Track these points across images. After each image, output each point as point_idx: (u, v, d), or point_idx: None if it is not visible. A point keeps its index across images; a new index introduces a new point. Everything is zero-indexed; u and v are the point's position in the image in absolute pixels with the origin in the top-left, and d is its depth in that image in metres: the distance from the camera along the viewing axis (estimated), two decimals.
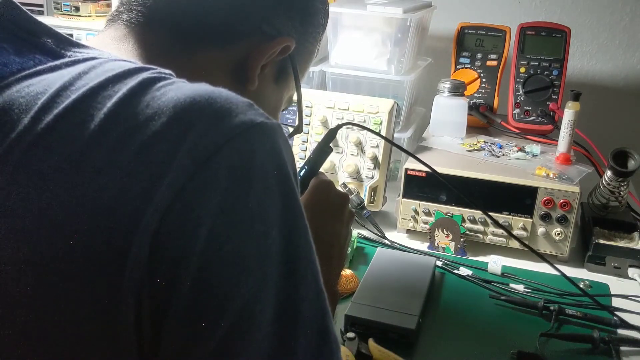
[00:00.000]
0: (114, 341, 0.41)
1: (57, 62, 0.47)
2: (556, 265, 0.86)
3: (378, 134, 0.86)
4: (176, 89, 0.44)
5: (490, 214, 1.04)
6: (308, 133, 1.22)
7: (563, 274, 0.89)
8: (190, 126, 0.42)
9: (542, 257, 0.87)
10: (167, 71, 0.48)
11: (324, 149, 0.81)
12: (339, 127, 0.84)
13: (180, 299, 0.40)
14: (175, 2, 0.57)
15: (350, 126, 1.17)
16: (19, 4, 0.51)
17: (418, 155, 1.15)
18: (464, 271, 1.01)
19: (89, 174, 0.41)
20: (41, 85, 0.45)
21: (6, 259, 0.41)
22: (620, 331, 0.87)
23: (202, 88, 0.44)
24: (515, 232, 1.06)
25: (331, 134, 0.83)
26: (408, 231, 1.15)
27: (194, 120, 0.42)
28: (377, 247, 1.07)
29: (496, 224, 0.90)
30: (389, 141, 0.91)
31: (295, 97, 0.69)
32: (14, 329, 0.41)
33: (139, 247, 0.39)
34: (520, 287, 0.96)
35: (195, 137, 0.41)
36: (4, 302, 0.41)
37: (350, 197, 1.13)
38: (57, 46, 0.49)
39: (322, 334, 0.45)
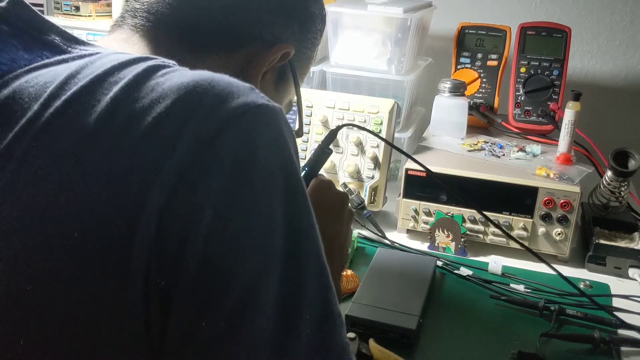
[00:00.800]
0: (122, 323, 0.42)
1: (65, 56, 0.49)
2: (557, 266, 0.86)
3: (378, 135, 0.87)
4: (179, 74, 0.46)
5: (490, 213, 1.05)
6: (308, 133, 1.22)
7: (560, 274, 0.88)
8: (194, 109, 0.43)
9: (538, 257, 0.87)
10: (170, 61, 0.49)
11: (324, 150, 0.82)
12: (339, 128, 0.84)
13: (188, 277, 0.41)
14: (178, 11, 0.58)
15: (350, 126, 1.17)
16: (27, 3, 0.52)
17: (418, 155, 1.15)
18: (464, 271, 1.01)
19: (98, 155, 0.42)
20: (49, 75, 0.46)
21: (18, 238, 0.42)
22: (621, 331, 0.87)
23: (204, 73, 0.46)
24: (516, 232, 1.06)
25: (331, 135, 0.83)
26: (408, 231, 1.15)
27: (197, 103, 0.43)
28: (377, 247, 1.07)
29: (492, 223, 0.90)
30: (389, 143, 0.91)
31: (295, 101, 0.70)
32: (22, 312, 0.42)
33: (146, 226, 0.40)
34: (520, 287, 0.96)
35: (199, 119, 0.43)
36: (14, 283, 0.42)
37: (350, 197, 1.13)
38: (64, 44, 0.51)
39: (325, 310, 0.46)
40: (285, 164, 0.45)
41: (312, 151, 0.82)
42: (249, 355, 0.42)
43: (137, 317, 0.42)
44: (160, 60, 0.48)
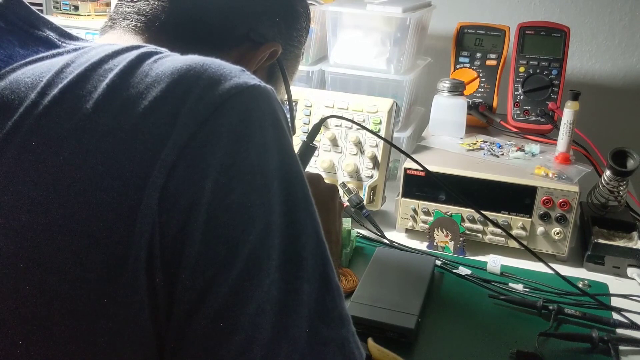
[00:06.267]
0: (126, 301, 0.43)
1: (60, 50, 0.51)
2: (555, 265, 0.86)
3: (364, 127, 0.87)
4: (171, 59, 0.47)
5: (488, 213, 1.05)
6: (307, 132, 1.22)
7: (558, 274, 0.89)
8: (189, 90, 0.45)
9: (537, 256, 0.88)
10: (161, 48, 0.50)
11: (309, 145, 0.83)
12: (322, 120, 0.85)
13: (192, 248, 0.43)
14: (169, 13, 0.60)
15: (350, 125, 1.17)
16: (24, 0, 0.54)
17: (417, 155, 1.15)
18: (463, 270, 1.01)
19: (97, 138, 0.44)
20: (45, 66, 0.48)
21: (20, 224, 0.43)
22: (619, 331, 0.87)
23: (196, 57, 0.48)
24: (515, 231, 1.06)
25: (315, 129, 0.84)
26: (407, 230, 1.15)
27: (191, 84, 0.45)
28: (376, 246, 1.07)
29: (490, 221, 0.90)
30: (374, 133, 0.92)
31: (286, 100, 0.72)
32: (27, 287, 0.43)
33: (148, 202, 0.42)
34: (519, 287, 0.96)
35: (195, 99, 0.44)
36: (16, 267, 0.43)
37: (349, 196, 1.14)
38: (59, 39, 0.53)
39: (324, 281, 0.47)
40: (280, 138, 0.47)
41: (298, 147, 0.83)
42: (255, 320, 0.43)
43: (141, 295, 0.43)
44: (152, 47, 0.50)
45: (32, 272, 0.43)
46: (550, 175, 1.07)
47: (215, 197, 0.43)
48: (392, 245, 1.10)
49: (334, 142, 1.18)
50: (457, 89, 1.24)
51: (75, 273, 0.43)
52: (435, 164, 1.09)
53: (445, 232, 1.09)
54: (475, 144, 1.22)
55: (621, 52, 1.56)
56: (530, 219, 1.06)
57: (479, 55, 1.35)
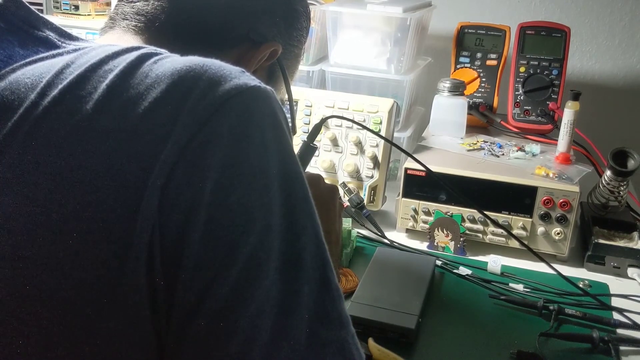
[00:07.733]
0: (125, 304, 0.43)
1: (59, 51, 0.51)
2: (556, 265, 0.86)
3: (364, 126, 0.87)
4: (172, 60, 0.47)
5: (489, 213, 1.04)
6: (307, 132, 1.22)
7: (560, 274, 0.89)
8: (189, 91, 0.45)
9: (538, 256, 0.88)
10: (161, 49, 0.51)
11: (309, 145, 0.83)
12: (322, 121, 0.85)
13: (192, 249, 0.43)
14: (169, 13, 0.61)
15: (350, 125, 1.17)
16: (24, 1, 0.54)
17: (417, 155, 1.15)
18: (463, 271, 1.01)
19: (97, 139, 0.44)
20: (45, 67, 0.48)
21: (20, 225, 0.43)
22: (620, 331, 0.87)
23: (196, 58, 0.48)
24: (515, 231, 1.06)
25: (316, 130, 0.84)
26: (408, 231, 1.15)
27: (191, 85, 0.45)
28: (376, 246, 1.07)
29: (492, 221, 0.90)
30: (375, 133, 0.92)
31: (286, 99, 0.72)
32: (27, 287, 0.43)
33: (148, 203, 0.42)
34: (519, 287, 0.96)
35: (195, 100, 0.44)
36: (17, 265, 0.43)
37: (350, 196, 1.14)
38: (58, 39, 0.53)
39: (323, 282, 0.47)
40: (280, 138, 0.47)
41: (298, 149, 0.83)
42: (255, 321, 0.43)
43: (141, 296, 0.43)
44: (152, 48, 0.50)
45: (32, 272, 0.43)
46: (551, 175, 1.07)
47: (216, 198, 0.43)
48: (392, 245, 1.10)
49: (335, 142, 1.18)
50: (458, 89, 1.24)
51: (75, 274, 0.43)
52: (435, 164, 1.09)
53: (445, 232, 1.09)
54: (475, 144, 1.22)
55: (621, 52, 1.56)
56: (530, 219, 1.06)
57: (479, 55, 1.35)
